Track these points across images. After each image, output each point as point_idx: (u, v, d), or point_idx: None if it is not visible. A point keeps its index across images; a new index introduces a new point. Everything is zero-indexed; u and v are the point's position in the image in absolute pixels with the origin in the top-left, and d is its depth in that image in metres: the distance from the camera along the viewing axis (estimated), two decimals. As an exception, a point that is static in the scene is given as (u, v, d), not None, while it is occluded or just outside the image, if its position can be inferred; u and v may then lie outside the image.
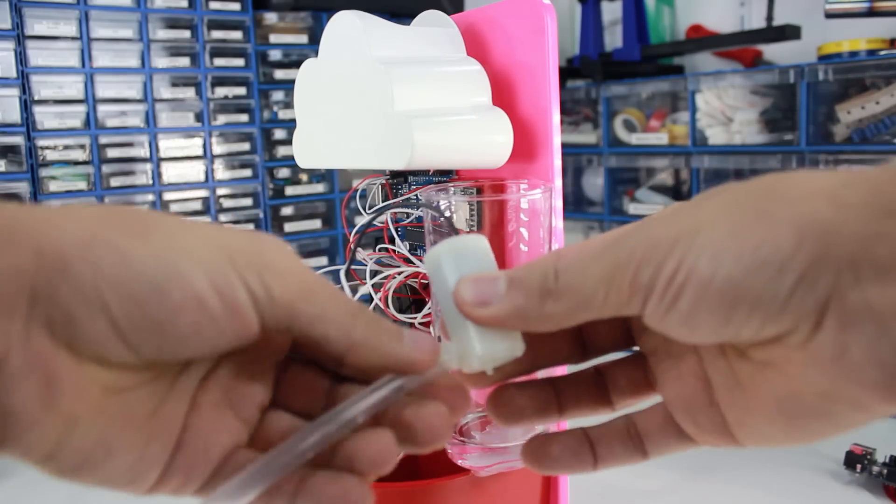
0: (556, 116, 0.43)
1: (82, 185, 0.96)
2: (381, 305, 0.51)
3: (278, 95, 1.11)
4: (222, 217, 1.06)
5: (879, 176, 0.19)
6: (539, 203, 0.39)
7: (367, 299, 0.51)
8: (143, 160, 1.00)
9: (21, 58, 0.90)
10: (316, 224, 1.14)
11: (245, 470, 0.20)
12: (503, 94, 0.45)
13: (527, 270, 0.23)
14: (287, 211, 1.12)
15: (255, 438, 0.23)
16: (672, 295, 0.20)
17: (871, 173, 0.20)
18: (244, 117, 1.07)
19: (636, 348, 0.26)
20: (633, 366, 0.26)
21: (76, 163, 0.95)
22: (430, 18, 0.49)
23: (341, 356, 0.22)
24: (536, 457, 0.26)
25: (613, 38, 1.41)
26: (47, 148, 0.93)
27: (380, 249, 0.52)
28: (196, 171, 1.04)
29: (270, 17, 1.09)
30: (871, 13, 0.89)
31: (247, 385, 0.23)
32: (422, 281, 0.51)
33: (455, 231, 0.38)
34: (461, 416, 0.24)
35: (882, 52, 0.89)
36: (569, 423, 0.29)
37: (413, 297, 0.52)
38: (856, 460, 0.66)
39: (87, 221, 0.20)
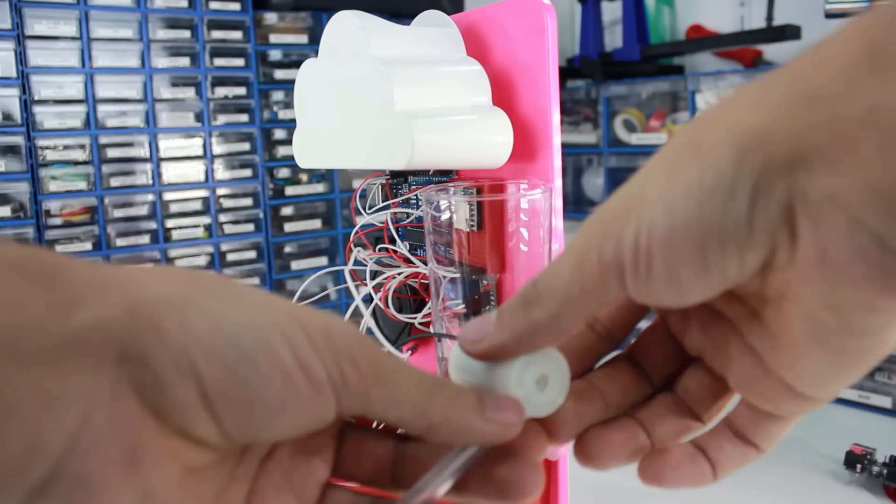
0: (556, 116, 0.43)
1: (82, 185, 0.96)
2: (382, 305, 0.51)
3: (278, 95, 1.11)
4: (222, 217, 1.06)
5: (796, 66, 0.18)
6: (539, 203, 0.39)
7: (368, 299, 0.51)
8: (143, 160, 1.00)
9: (21, 58, 0.90)
10: (316, 224, 1.14)
11: None
12: (503, 94, 0.45)
13: (511, 298, 0.23)
14: (287, 211, 1.12)
15: None
16: (644, 262, 0.19)
17: (786, 66, 0.19)
18: (244, 117, 1.07)
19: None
20: (696, 371, 0.25)
21: (76, 163, 0.95)
22: (430, 18, 0.49)
23: (419, 435, 0.21)
24: (654, 475, 0.24)
25: (613, 38, 1.41)
26: (47, 148, 0.93)
27: (380, 249, 0.52)
28: (196, 171, 1.04)
29: (270, 17, 1.09)
30: (871, 13, 0.89)
31: (307, 462, 0.22)
32: (422, 281, 0.51)
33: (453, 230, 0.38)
34: (541, 455, 0.24)
35: (882, 52, 0.89)
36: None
37: (413, 297, 0.52)
38: (856, 460, 0.66)
39: (178, 283, 0.19)
